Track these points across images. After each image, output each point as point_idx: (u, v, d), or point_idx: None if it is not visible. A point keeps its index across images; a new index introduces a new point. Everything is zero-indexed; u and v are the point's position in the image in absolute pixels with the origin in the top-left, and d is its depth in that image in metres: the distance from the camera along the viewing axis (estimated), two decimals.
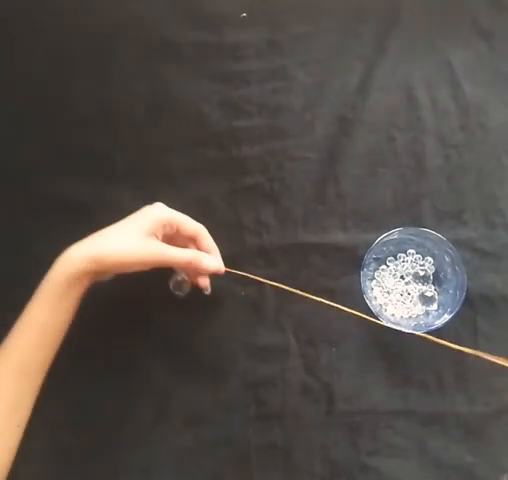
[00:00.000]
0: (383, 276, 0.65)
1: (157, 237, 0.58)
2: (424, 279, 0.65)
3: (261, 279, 0.61)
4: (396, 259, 0.66)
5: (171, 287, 0.63)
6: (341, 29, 0.72)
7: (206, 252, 0.61)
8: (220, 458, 0.61)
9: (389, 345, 0.63)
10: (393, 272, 0.65)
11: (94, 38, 0.72)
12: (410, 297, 0.65)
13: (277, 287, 0.61)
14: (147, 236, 0.57)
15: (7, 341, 0.54)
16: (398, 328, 0.60)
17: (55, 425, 0.60)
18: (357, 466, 0.61)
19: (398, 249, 0.65)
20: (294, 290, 0.60)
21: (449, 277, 0.63)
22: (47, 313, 0.54)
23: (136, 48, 0.72)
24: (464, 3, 0.72)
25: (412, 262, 0.65)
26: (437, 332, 0.59)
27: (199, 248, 0.61)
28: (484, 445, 0.61)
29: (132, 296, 0.63)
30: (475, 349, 0.63)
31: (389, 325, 0.60)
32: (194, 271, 0.60)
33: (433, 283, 0.65)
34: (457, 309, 0.59)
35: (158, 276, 0.60)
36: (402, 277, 0.65)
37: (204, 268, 0.59)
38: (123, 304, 0.64)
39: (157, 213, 0.59)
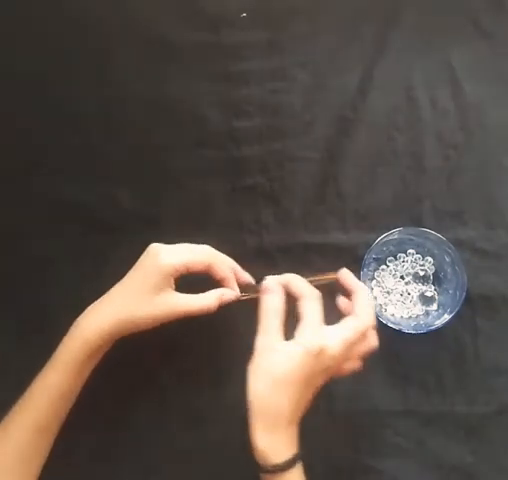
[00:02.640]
0: (383, 276, 0.65)
1: (172, 285, 0.56)
2: (424, 279, 0.65)
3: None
4: (396, 259, 0.66)
5: None
6: (341, 29, 0.71)
7: (221, 280, 0.58)
8: (220, 458, 0.61)
9: (389, 345, 0.62)
10: (393, 272, 0.65)
11: (94, 38, 0.72)
12: (410, 297, 0.65)
13: None
14: (159, 291, 0.54)
15: (23, 402, 0.54)
16: (398, 328, 0.60)
17: None
18: (357, 466, 0.61)
19: (398, 249, 0.66)
20: None
21: (449, 277, 0.63)
22: (64, 380, 0.54)
23: (136, 48, 0.72)
24: (464, 3, 0.72)
25: (412, 262, 0.65)
26: (437, 332, 0.60)
27: (214, 277, 0.58)
28: (484, 445, 0.61)
29: None
30: (475, 349, 0.63)
31: (389, 325, 0.60)
32: None
33: (433, 283, 0.65)
34: (457, 309, 0.59)
35: None
36: (402, 277, 0.65)
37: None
38: None
39: (161, 265, 0.54)
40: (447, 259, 0.63)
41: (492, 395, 0.62)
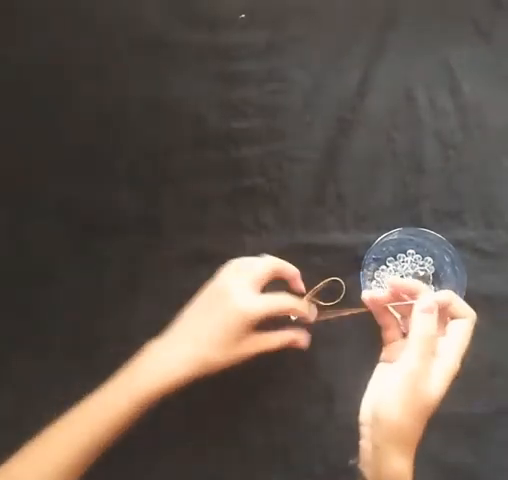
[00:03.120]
0: (383, 276, 0.65)
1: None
2: (424, 279, 0.65)
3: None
4: (396, 259, 0.66)
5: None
6: (340, 30, 0.72)
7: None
8: (220, 458, 0.61)
9: None
10: (393, 272, 0.65)
11: (93, 38, 0.72)
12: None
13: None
14: (243, 338, 0.53)
15: (68, 426, 0.50)
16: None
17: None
18: (357, 466, 0.60)
19: (398, 249, 0.66)
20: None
21: (449, 277, 0.63)
22: (119, 425, 0.50)
23: (135, 49, 0.72)
24: (463, 3, 0.72)
25: (412, 262, 0.65)
26: None
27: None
28: (484, 445, 0.61)
29: None
30: (475, 349, 0.63)
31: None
32: None
33: (433, 283, 0.65)
34: None
35: None
36: (402, 277, 0.65)
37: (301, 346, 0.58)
38: None
39: (247, 315, 0.52)
40: (447, 259, 0.63)
41: (492, 395, 0.62)
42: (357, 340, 0.63)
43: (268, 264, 0.57)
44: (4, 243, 0.67)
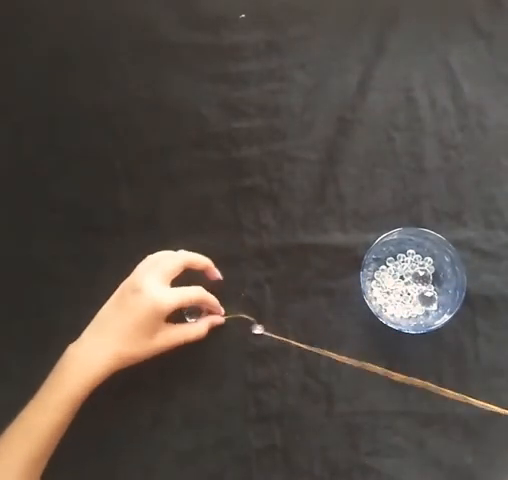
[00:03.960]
0: (383, 276, 0.65)
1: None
2: (424, 279, 0.65)
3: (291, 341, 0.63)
4: (396, 259, 0.66)
5: (185, 313, 0.64)
6: (340, 30, 0.72)
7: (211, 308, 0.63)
8: (220, 459, 0.61)
9: (389, 345, 0.63)
10: (393, 272, 0.65)
11: (93, 39, 0.72)
12: (410, 297, 0.65)
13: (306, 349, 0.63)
14: (157, 330, 0.57)
15: (16, 432, 0.53)
16: (398, 328, 0.60)
17: None
18: (357, 467, 0.61)
19: (398, 249, 0.66)
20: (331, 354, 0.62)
21: (449, 277, 0.63)
22: (60, 417, 0.54)
23: (135, 49, 0.72)
24: (463, 3, 0.72)
25: (412, 262, 0.65)
26: (437, 332, 0.59)
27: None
28: (484, 445, 0.61)
29: None
30: (475, 349, 0.63)
31: (389, 325, 0.60)
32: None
33: (433, 283, 0.65)
34: (457, 309, 0.59)
35: None
36: (402, 277, 0.65)
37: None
38: None
39: (159, 310, 0.56)
40: (447, 259, 0.63)
41: (492, 395, 0.62)
42: (357, 340, 0.63)
43: (178, 258, 0.60)
44: (4, 243, 0.67)
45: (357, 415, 0.62)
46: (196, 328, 0.61)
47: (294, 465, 0.61)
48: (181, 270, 0.60)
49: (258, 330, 0.64)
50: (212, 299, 0.62)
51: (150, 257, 0.61)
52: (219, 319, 0.63)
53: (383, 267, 0.66)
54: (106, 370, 0.55)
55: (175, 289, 0.58)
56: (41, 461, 0.54)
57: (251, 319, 0.64)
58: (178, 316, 0.61)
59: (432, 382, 0.62)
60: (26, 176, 0.69)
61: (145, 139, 0.70)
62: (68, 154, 0.70)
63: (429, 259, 0.65)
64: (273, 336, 0.63)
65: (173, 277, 0.59)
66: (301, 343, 0.63)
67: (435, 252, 0.64)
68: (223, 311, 0.64)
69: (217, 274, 0.64)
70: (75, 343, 0.57)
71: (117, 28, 0.73)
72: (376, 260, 0.65)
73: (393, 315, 0.64)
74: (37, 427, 0.53)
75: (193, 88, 0.71)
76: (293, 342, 0.63)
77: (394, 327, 0.60)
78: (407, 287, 0.65)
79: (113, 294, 0.59)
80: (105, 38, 0.72)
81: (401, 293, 0.65)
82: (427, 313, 0.64)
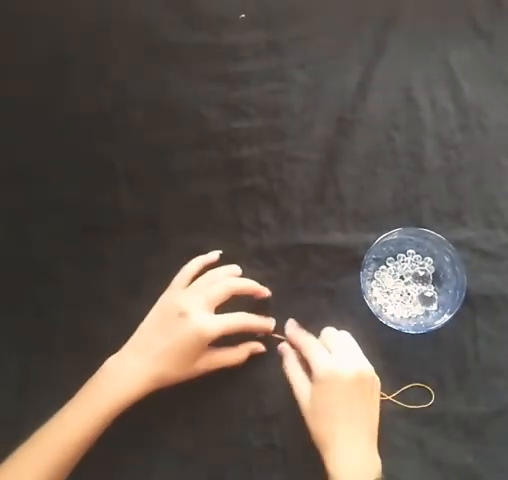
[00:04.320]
0: (383, 276, 0.65)
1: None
2: (424, 279, 0.65)
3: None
4: (396, 259, 0.66)
5: None
6: (340, 30, 0.72)
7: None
8: (220, 459, 0.61)
9: (389, 345, 0.63)
10: (393, 272, 0.65)
11: (93, 39, 0.72)
12: (410, 297, 0.65)
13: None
14: (199, 356, 0.57)
15: (40, 442, 0.52)
16: (398, 328, 0.60)
17: None
18: None
19: (398, 249, 0.66)
20: None
21: (449, 277, 0.63)
22: (89, 431, 0.53)
23: (135, 49, 0.72)
24: (463, 3, 0.72)
25: (412, 262, 0.65)
26: (437, 332, 0.60)
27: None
28: (484, 445, 0.61)
29: None
30: (475, 349, 0.63)
31: (389, 325, 0.60)
32: None
33: (433, 283, 0.65)
34: (457, 309, 0.59)
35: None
36: (402, 277, 0.65)
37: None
38: None
39: (204, 338, 0.56)
40: (447, 259, 0.63)
41: (492, 395, 0.62)
42: (357, 340, 0.63)
43: (224, 285, 0.59)
44: (4, 243, 0.67)
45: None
46: (237, 353, 0.61)
47: (294, 465, 0.61)
48: (227, 298, 0.59)
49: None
50: (256, 323, 0.61)
51: (186, 269, 0.61)
52: (261, 348, 0.62)
53: (383, 267, 0.66)
54: (143, 391, 0.55)
55: (220, 317, 0.58)
56: (59, 478, 0.52)
57: (283, 338, 0.63)
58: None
59: (432, 382, 0.62)
60: (26, 176, 0.69)
61: (145, 139, 0.70)
62: (68, 154, 0.70)
63: (429, 259, 0.65)
64: (275, 336, 0.63)
65: (217, 304, 0.58)
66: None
67: (435, 252, 0.64)
68: (271, 329, 0.63)
69: (265, 293, 0.63)
70: (116, 357, 0.56)
71: (117, 28, 0.73)
72: (376, 260, 0.65)
73: (393, 315, 0.64)
74: (64, 437, 0.52)
75: (193, 88, 0.71)
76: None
77: (394, 327, 0.60)
78: (407, 287, 0.65)
79: (155, 308, 0.59)
80: (105, 38, 0.72)
81: (401, 293, 0.65)
82: (427, 313, 0.64)
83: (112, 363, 0.55)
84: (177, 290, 0.60)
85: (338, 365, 0.54)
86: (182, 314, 0.56)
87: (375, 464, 0.53)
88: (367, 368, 0.55)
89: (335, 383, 0.53)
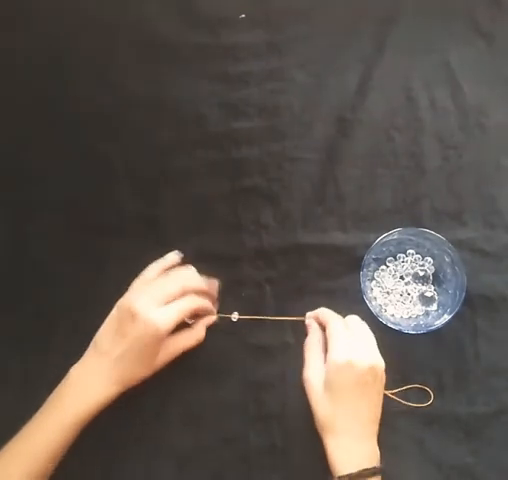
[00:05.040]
0: (383, 276, 0.65)
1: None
2: (424, 279, 0.65)
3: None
4: (396, 259, 0.66)
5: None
6: (340, 30, 0.72)
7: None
8: (220, 458, 0.61)
9: (389, 345, 0.62)
10: (393, 272, 0.65)
11: (94, 39, 0.72)
12: (410, 297, 0.65)
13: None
14: (158, 351, 0.57)
15: (20, 446, 0.53)
16: (398, 328, 0.60)
17: None
18: None
19: (398, 249, 0.66)
20: None
21: (449, 277, 0.63)
22: (64, 438, 0.53)
23: (135, 49, 0.72)
24: (463, 3, 0.72)
25: (412, 262, 0.65)
26: (437, 332, 0.60)
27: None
28: (484, 445, 0.61)
29: None
30: (475, 349, 0.63)
31: (389, 325, 0.60)
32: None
33: (433, 283, 0.65)
34: (457, 309, 0.59)
35: None
36: (402, 277, 0.65)
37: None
38: None
39: (158, 335, 0.55)
40: (447, 259, 0.63)
41: (492, 395, 0.62)
42: None
43: (174, 282, 0.59)
44: (4, 243, 0.67)
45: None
46: (194, 334, 0.61)
47: (293, 465, 0.61)
48: (179, 294, 0.58)
49: (235, 317, 0.64)
50: (206, 305, 0.61)
51: (141, 277, 0.60)
52: (211, 319, 0.63)
53: (383, 267, 0.66)
54: (108, 396, 0.55)
55: (170, 306, 0.56)
56: (46, 471, 0.53)
57: (233, 318, 0.64)
58: None
59: (432, 382, 0.62)
60: (26, 176, 0.69)
61: (145, 139, 0.70)
62: (68, 154, 0.70)
63: (429, 259, 0.65)
64: (247, 317, 0.63)
65: (170, 300, 0.57)
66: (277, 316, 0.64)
67: (435, 252, 0.64)
68: (215, 310, 0.63)
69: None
70: (77, 365, 0.56)
71: (117, 28, 0.73)
72: (376, 260, 0.65)
73: (393, 315, 0.64)
74: (36, 446, 0.53)
75: (193, 88, 0.71)
76: (269, 317, 0.64)
77: (394, 327, 0.60)
78: (407, 287, 0.65)
79: (112, 312, 0.58)
80: (105, 38, 0.72)
81: (401, 293, 0.65)
82: (427, 313, 0.64)
83: (75, 371, 0.56)
84: (131, 293, 0.59)
85: (357, 354, 0.55)
86: (133, 315, 0.55)
87: (375, 453, 0.55)
88: (381, 363, 0.57)
89: (350, 370, 0.54)
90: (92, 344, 0.58)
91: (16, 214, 0.68)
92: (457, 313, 0.59)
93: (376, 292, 0.65)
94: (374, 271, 0.65)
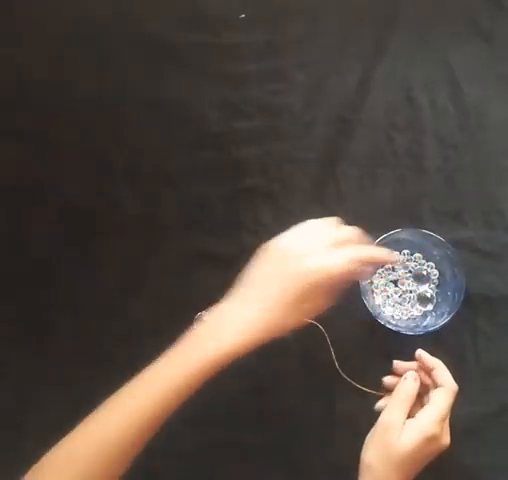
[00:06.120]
0: (382, 277, 0.65)
1: None
2: (423, 280, 0.65)
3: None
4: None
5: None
6: (340, 30, 0.72)
7: None
8: (220, 458, 0.61)
9: (389, 345, 0.63)
10: (392, 273, 0.65)
11: (94, 39, 0.72)
12: (409, 298, 0.65)
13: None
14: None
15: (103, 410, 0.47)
16: (397, 329, 0.60)
17: (56, 424, 0.60)
18: (357, 466, 0.60)
19: (397, 249, 0.65)
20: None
21: (448, 278, 0.63)
22: (163, 405, 0.47)
23: (136, 49, 0.72)
24: (463, 3, 0.72)
25: (411, 262, 0.65)
26: (437, 333, 0.60)
27: None
28: (484, 445, 0.61)
29: None
30: (475, 349, 0.63)
31: (388, 326, 0.60)
32: None
33: (432, 284, 0.65)
34: (456, 310, 0.59)
35: None
36: (401, 278, 0.65)
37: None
38: None
39: (327, 270, 0.49)
40: (446, 261, 0.63)
41: (492, 395, 0.62)
42: (357, 341, 0.63)
43: (350, 228, 0.53)
44: (4, 243, 0.67)
45: (357, 415, 0.62)
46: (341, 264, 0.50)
47: (294, 464, 0.61)
48: (356, 241, 0.52)
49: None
50: (384, 254, 0.54)
51: (308, 223, 0.53)
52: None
53: (382, 267, 0.65)
54: (256, 338, 0.49)
55: (344, 250, 0.50)
56: (140, 437, 0.47)
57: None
58: None
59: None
60: (26, 176, 0.69)
61: (146, 139, 0.70)
62: (68, 154, 0.70)
63: (429, 260, 0.65)
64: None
65: (344, 245, 0.51)
66: None
67: (435, 253, 0.64)
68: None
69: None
70: (214, 309, 0.50)
71: (117, 28, 0.73)
72: None
73: (392, 316, 0.64)
74: (138, 409, 0.46)
75: (193, 88, 0.71)
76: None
77: (393, 328, 0.60)
78: (406, 288, 0.65)
79: (259, 260, 0.51)
80: (105, 38, 0.72)
81: (400, 294, 0.65)
82: (425, 314, 0.64)
83: (211, 315, 0.49)
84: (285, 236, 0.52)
85: (443, 434, 0.53)
86: (303, 255, 0.49)
87: None
88: None
89: (434, 446, 0.52)
90: (238, 290, 0.50)
91: (16, 214, 0.68)
92: (457, 313, 0.59)
93: (375, 293, 0.65)
94: (374, 271, 0.65)
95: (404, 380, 0.56)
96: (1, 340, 0.64)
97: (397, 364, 0.58)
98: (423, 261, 0.65)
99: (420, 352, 0.57)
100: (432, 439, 0.51)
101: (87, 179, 0.69)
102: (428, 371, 0.56)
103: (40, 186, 0.69)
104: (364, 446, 0.54)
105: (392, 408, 0.54)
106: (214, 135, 0.70)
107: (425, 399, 0.56)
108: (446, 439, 0.53)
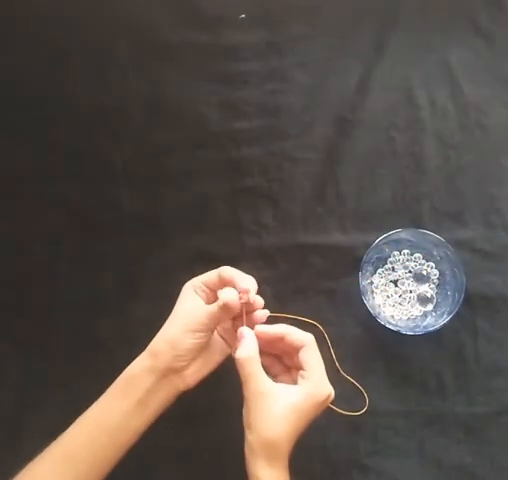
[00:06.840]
0: (382, 277, 0.65)
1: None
2: (423, 280, 0.65)
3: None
4: (395, 260, 0.66)
5: None
6: (340, 30, 0.72)
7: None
8: (220, 459, 0.61)
9: (389, 345, 0.63)
10: (392, 273, 0.65)
11: (94, 39, 0.72)
12: (409, 298, 0.65)
13: None
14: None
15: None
16: (397, 329, 0.60)
17: (55, 424, 0.60)
18: (357, 466, 0.61)
19: (397, 249, 0.65)
20: None
21: (448, 279, 0.63)
22: (103, 412, 0.52)
23: (135, 49, 0.72)
24: (463, 3, 0.72)
25: (411, 262, 0.65)
26: (437, 332, 0.60)
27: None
28: (484, 445, 0.61)
29: None
30: (475, 349, 0.63)
31: (388, 326, 0.60)
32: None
33: (432, 284, 0.65)
34: (455, 310, 0.59)
35: None
36: (401, 278, 0.65)
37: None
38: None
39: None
40: (446, 261, 0.63)
41: (492, 395, 0.62)
42: (357, 341, 0.63)
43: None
44: (4, 243, 0.67)
45: (357, 415, 0.62)
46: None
47: (294, 465, 0.61)
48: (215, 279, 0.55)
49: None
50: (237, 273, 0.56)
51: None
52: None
53: (383, 267, 0.66)
54: (135, 364, 0.54)
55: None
56: (78, 456, 0.51)
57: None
58: None
59: (432, 382, 0.62)
60: (26, 176, 0.69)
61: (146, 139, 0.70)
62: (68, 154, 0.70)
63: (429, 260, 0.65)
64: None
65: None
66: None
67: (435, 253, 0.64)
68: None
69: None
70: None
71: (117, 28, 0.73)
72: (376, 260, 0.65)
73: (392, 316, 0.64)
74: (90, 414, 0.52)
75: (193, 88, 0.71)
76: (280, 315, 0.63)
77: (393, 328, 0.60)
78: (406, 288, 0.65)
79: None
80: (105, 38, 0.72)
81: (400, 294, 0.65)
82: (425, 314, 0.64)
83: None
84: None
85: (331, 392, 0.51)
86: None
87: None
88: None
89: (324, 405, 0.51)
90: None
91: (16, 214, 0.68)
92: (457, 313, 0.59)
93: (375, 293, 0.65)
94: (374, 271, 0.65)
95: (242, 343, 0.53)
96: (1, 340, 0.64)
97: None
98: (423, 261, 0.65)
99: (259, 328, 0.53)
100: (326, 401, 0.50)
101: (87, 179, 0.69)
102: (278, 342, 0.53)
103: (40, 186, 0.69)
104: (247, 417, 0.52)
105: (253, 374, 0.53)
106: (214, 135, 0.70)
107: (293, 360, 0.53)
108: (328, 387, 0.51)
